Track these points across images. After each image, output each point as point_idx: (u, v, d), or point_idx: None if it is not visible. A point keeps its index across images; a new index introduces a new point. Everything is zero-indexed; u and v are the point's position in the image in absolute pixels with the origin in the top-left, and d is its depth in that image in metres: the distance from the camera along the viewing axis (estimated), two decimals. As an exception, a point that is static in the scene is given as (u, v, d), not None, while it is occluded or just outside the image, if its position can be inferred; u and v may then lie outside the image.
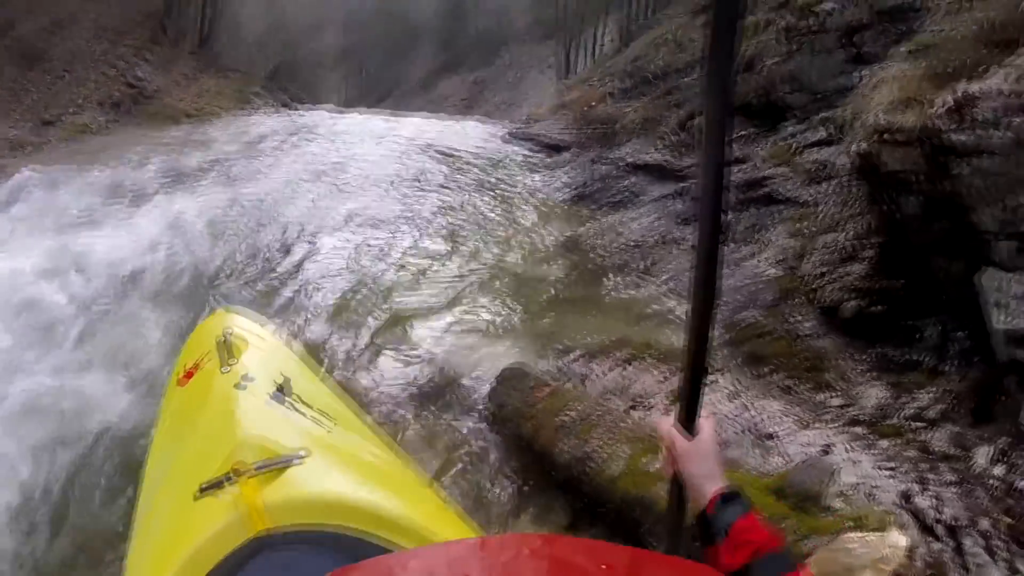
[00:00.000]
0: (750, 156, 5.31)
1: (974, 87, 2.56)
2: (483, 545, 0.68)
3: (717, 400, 2.85)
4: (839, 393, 2.70)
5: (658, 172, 6.66)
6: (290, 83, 23.54)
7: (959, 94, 2.58)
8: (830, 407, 2.62)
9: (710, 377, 3.12)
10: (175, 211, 5.63)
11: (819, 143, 4.45)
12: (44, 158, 8.45)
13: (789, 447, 2.37)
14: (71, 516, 2.48)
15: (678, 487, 0.84)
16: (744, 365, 3.15)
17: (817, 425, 2.48)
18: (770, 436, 2.47)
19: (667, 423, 0.85)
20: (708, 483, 0.78)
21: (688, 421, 0.82)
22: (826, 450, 2.29)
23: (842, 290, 3.15)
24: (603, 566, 0.59)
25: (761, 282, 3.75)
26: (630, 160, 7.42)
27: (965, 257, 2.60)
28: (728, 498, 0.76)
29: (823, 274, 3.33)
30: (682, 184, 5.95)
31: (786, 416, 2.57)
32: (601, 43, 20.23)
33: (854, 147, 3.45)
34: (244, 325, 1.74)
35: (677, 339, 3.52)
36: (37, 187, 6.36)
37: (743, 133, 6.07)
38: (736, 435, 2.58)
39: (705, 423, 0.83)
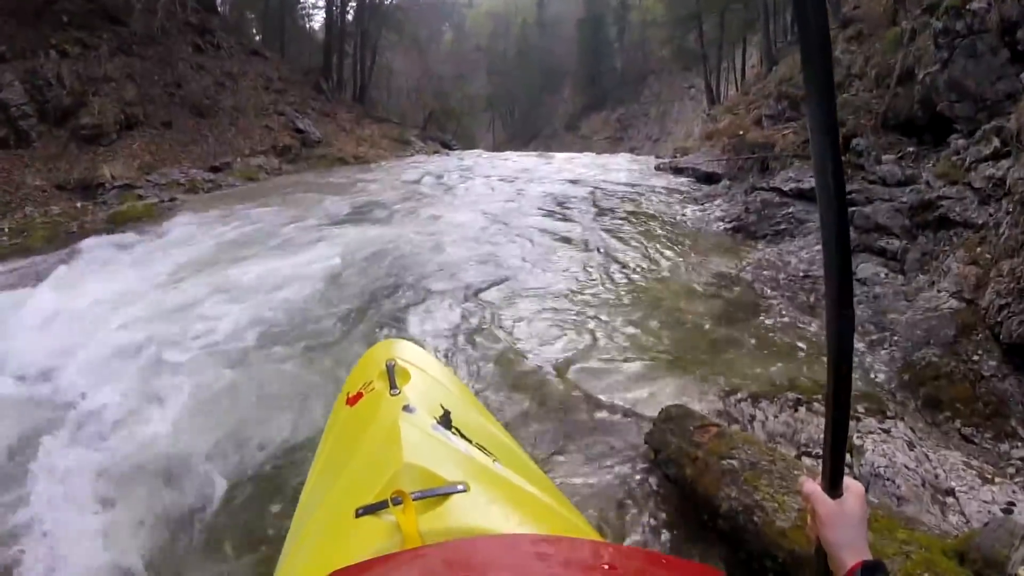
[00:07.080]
0: (918, 176, 4.97)
1: None
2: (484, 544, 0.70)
3: (894, 450, 2.78)
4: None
5: (821, 197, 6.55)
6: (444, 128, 25.48)
7: None
8: (1014, 459, 2.45)
9: (885, 424, 3.03)
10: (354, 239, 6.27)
11: (991, 157, 4.06)
12: (218, 198, 9.29)
13: (969, 504, 2.28)
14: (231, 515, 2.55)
15: (822, 554, 0.78)
16: (921, 410, 3.01)
17: (1000, 479, 2.35)
18: (949, 492, 2.39)
19: (811, 484, 0.79)
20: (849, 552, 0.73)
21: (832, 482, 0.76)
22: (1009, 508, 2.19)
23: (1028, 324, 2.91)
24: (605, 566, 0.61)
25: (938, 316, 3.54)
26: (789, 187, 7.18)
27: None
28: (870, 570, 0.70)
29: (1006, 305, 3.07)
30: (851, 208, 5.65)
31: (967, 469, 2.44)
32: (744, 68, 19.46)
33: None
34: (408, 355, 1.71)
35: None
36: (213, 222, 7.27)
37: (910, 151, 5.68)
38: (914, 489, 2.52)
39: (852, 484, 0.77)
